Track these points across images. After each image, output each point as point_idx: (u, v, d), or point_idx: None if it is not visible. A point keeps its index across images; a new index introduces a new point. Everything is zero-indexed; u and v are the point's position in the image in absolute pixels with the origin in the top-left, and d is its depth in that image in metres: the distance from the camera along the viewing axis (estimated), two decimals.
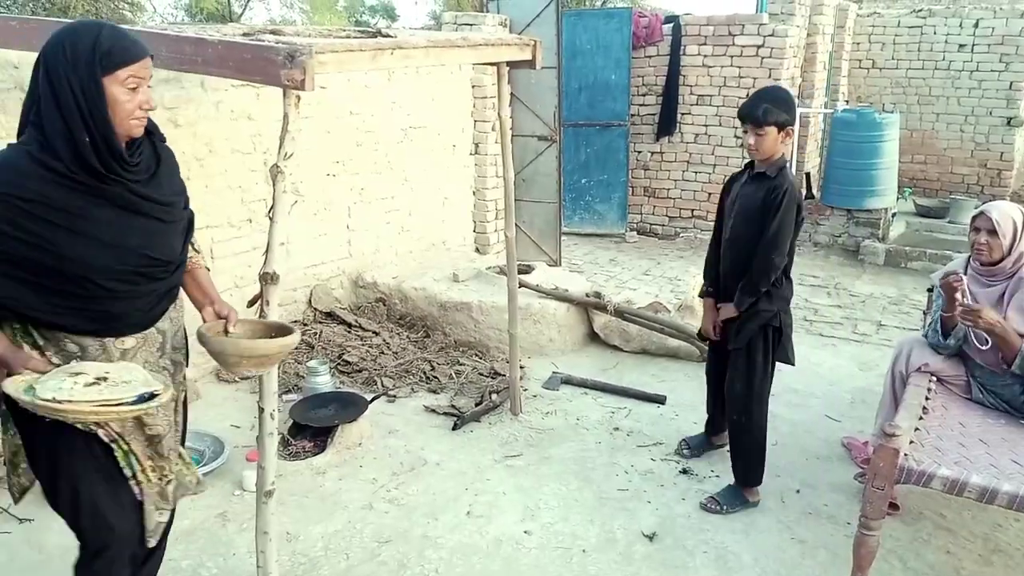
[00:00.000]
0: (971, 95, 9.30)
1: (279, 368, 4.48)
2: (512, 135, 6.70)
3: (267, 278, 2.48)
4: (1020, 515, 3.34)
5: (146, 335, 2.07)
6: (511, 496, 3.43)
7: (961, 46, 9.33)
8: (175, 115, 4.22)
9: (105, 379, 1.85)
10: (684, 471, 3.69)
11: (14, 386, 1.80)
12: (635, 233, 8.55)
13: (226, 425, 3.98)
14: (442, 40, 3.12)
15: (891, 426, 2.59)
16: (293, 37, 2.88)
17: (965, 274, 3.36)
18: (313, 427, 3.84)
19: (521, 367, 4.80)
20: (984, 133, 9.36)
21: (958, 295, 3.12)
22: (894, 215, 7.94)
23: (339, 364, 4.63)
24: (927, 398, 3.21)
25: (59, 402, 1.76)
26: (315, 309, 5.18)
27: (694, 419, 4.23)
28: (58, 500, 2.04)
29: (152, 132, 2.02)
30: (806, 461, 3.79)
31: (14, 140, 1.90)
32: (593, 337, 5.33)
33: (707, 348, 3.80)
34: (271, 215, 2.45)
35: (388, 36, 3.26)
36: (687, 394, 4.53)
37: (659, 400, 4.44)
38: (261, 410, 2.52)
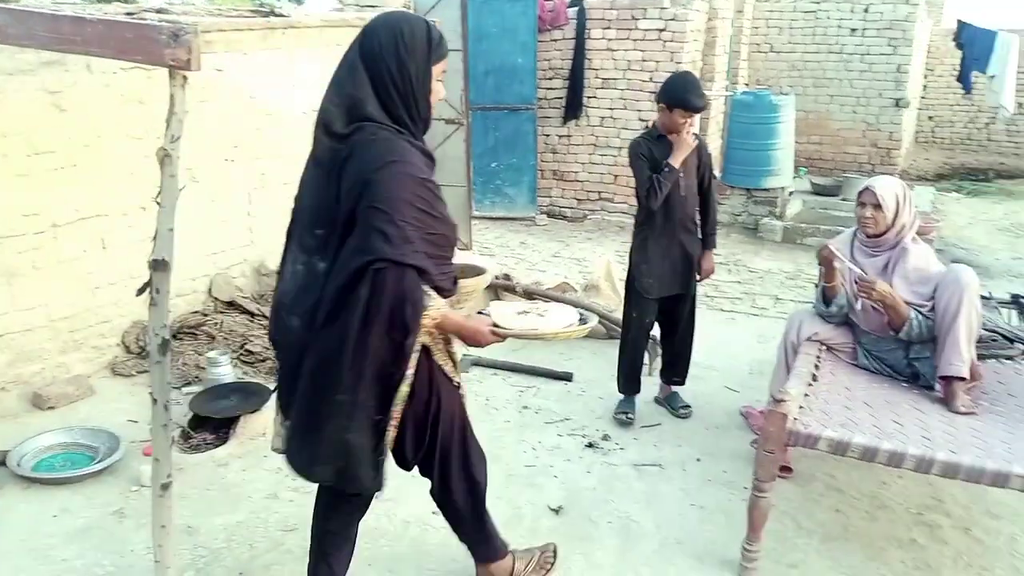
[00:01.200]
0: (862, 77, 9.72)
1: (178, 360, 4.39)
2: None
3: (156, 265, 2.40)
4: (903, 473, 3.52)
5: None
6: (419, 479, 3.41)
7: (853, 30, 9.74)
8: (59, 99, 4.03)
9: (527, 312, 2.50)
10: (590, 445, 3.77)
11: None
12: (545, 216, 8.62)
13: (123, 421, 3.85)
14: (337, 20, 3.07)
15: (780, 392, 2.70)
16: (179, 16, 2.79)
17: (852, 246, 3.54)
18: (215, 419, 3.75)
19: None
20: (875, 114, 9.80)
21: (837, 264, 3.29)
22: (791, 194, 8.25)
23: (241, 354, 4.52)
24: (816, 365, 3.37)
25: (534, 329, 2.40)
26: (215, 299, 5.04)
27: (600, 394, 4.33)
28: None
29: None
30: (706, 431, 3.93)
31: None
32: None
33: (644, 312, 3.96)
34: (159, 200, 2.38)
35: (281, 16, 3.19)
36: (593, 371, 4.62)
37: (566, 377, 4.52)
38: (154, 401, 2.45)
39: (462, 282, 2.41)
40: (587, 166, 8.50)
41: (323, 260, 2.08)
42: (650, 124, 3.86)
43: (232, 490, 3.32)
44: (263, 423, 3.80)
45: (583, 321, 2.51)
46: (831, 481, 3.51)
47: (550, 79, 8.35)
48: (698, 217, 3.96)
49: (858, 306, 3.41)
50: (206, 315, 4.86)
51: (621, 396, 4.09)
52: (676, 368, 4.15)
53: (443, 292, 2.16)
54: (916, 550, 3.04)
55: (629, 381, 4.05)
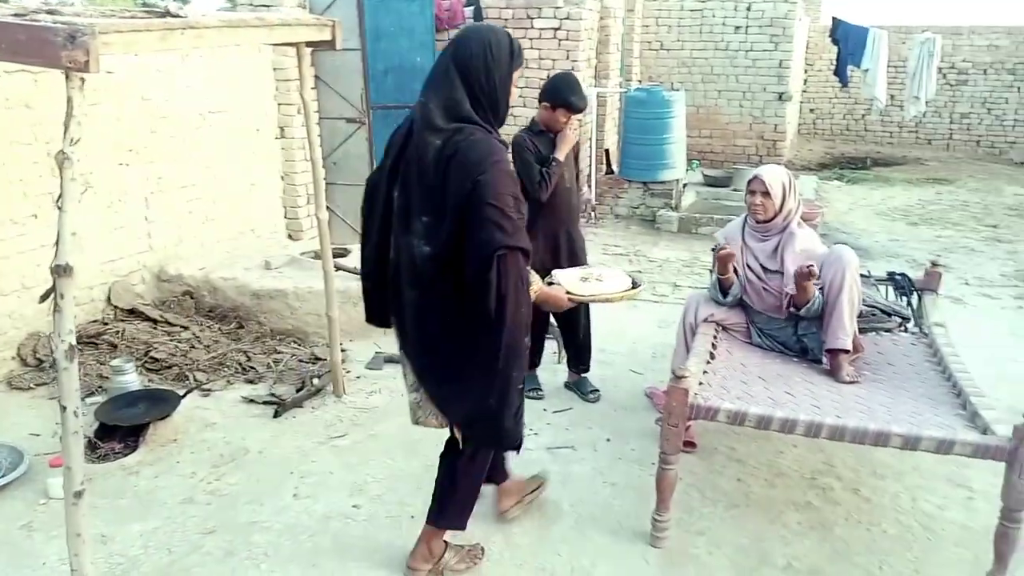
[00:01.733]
0: (747, 73, 10.19)
1: (79, 370, 4.25)
2: (319, 118, 6.67)
3: (60, 271, 2.35)
4: (798, 441, 3.79)
5: None
6: (338, 475, 3.46)
7: (737, 28, 10.19)
8: None
9: (586, 279, 2.99)
10: None
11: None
12: None
13: (24, 434, 3.72)
14: (236, 20, 3.06)
15: (680, 369, 2.87)
16: (72, 17, 2.73)
17: (743, 232, 3.76)
18: (122, 427, 3.67)
19: (344, 350, 4.80)
20: (760, 107, 10.29)
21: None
22: (685, 186, 8.58)
23: (146, 362, 4.42)
24: (713, 344, 3.57)
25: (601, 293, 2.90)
26: (115, 307, 4.90)
27: None
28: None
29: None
30: (614, 412, 4.09)
31: None
32: None
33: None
34: (60, 204, 2.33)
35: (178, 16, 3.15)
36: None
37: None
38: (63, 408, 2.40)
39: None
40: None
41: (428, 245, 2.37)
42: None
43: (145, 497, 3.26)
44: (174, 429, 3.75)
45: (636, 284, 2.94)
46: (732, 453, 3.72)
47: None
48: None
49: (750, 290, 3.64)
50: (106, 324, 4.72)
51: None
52: (581, 358, 4.32)
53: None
54: (811, 511, 3.27)
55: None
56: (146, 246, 5.22)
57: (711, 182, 9.33)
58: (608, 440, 3.81)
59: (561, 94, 3.85)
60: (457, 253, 2.31)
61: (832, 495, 3.39)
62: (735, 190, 8.93)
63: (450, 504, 2.74)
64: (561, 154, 3.91)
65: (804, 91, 14.77)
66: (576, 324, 4.22)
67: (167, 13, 3.40)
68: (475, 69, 2.32)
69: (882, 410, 3.01)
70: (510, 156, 3.88)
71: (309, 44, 3.54)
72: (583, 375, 4.33)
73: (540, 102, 3.91)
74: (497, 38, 2.37)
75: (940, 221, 9.00)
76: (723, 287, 3.74)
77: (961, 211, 9.54)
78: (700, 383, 3.14)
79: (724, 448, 3.76)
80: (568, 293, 2.82)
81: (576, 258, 4.07)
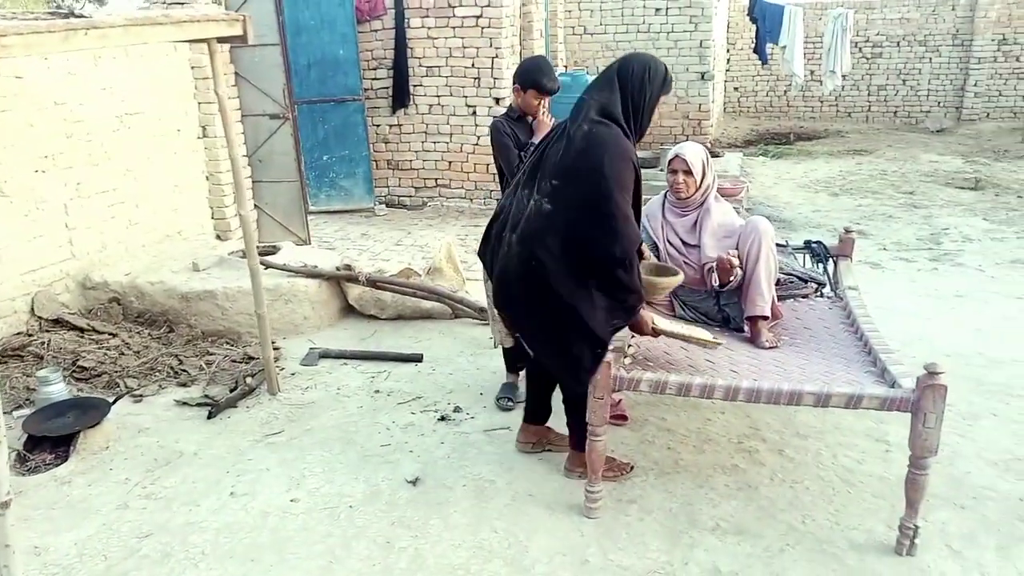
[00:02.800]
0: (670, 54, 10.33)
1: (4, 384, 4.16)
2: (242, 115, 6.59)
3: None
4: (725, 408, 3.93)
5: None
6: (275, 471, 3.47)
7: (657, 10, 10.35)
8: None
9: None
10: (443, 418, 3.91)
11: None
12: (384, 206, 8.66)
13: None
14: (141, 18, 3.02)
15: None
16: None
17: (663, 208, 3.86)
18: (52, 438, 3.61)
19: (277, 348, 4.79)
20: (683, 88, 10.46)
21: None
22: None
23: (74, 371, 4.34)
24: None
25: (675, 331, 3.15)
26: (39, 317, 4.79)
27: (450, 371, 4.49)
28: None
29: None
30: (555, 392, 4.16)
31: None
32: (349, 310, 5.41)
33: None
34: None
35: (81, 16, 3.10)
36: (442, 350, 4.78)
37: (416, 359, 4.64)
38: None
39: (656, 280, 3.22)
40: (421, 154, 8.61)
41: (551, 203, 2.88)
42: (510, 105, 4.09)
43: (79, 506, 3.22)
44: (105, 436, 3.71)
45: (717, 339, 3.23)
46: (662, 423, 3.83)
47: (375, 69, 8.38)
48: None
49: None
50: (31, 335, 4.62)
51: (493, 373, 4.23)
52: None
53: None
54: (738, 473, 3.40)
55: (505, 359, 4.15)
56: (68, 254, 5.11)
57: (640, 163, 9.44)
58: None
59: (530, 76, 3.88)
60: (569, 215, 2.84)
61: (758, 457, 3.53)
62: (662, 170, 9.08)
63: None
64: (538, 139, 3.90)
65: (728, 70, 15.09)
66: None
67: (71, 14, 3.35)
68: (633, 83, 2.89)
69: (797, 371, 3.14)
70: (497, 141, 3.97)
71: (221, 40, 3.51)
72: None
73: (513, 85, 3.96)
74: (656, 66, 2.96)
75: (860, 190, 9.32)
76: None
77: (880, 180, 9.89)
78: (626, 356, 3.23)
79: (655, 419, 3.87)
80: (654, 324, 3.08)
81: None
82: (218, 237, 6.55)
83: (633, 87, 2.90)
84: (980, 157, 11.20)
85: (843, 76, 11.96)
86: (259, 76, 6.49)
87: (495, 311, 3.18)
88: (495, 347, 3.51)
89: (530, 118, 4.00)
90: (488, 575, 2.78)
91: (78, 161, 5.15)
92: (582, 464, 3.18)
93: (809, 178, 10.09)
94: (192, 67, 6.20)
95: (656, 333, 3.09)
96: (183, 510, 3.18)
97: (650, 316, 3.09)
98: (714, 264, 3.64)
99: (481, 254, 3.24)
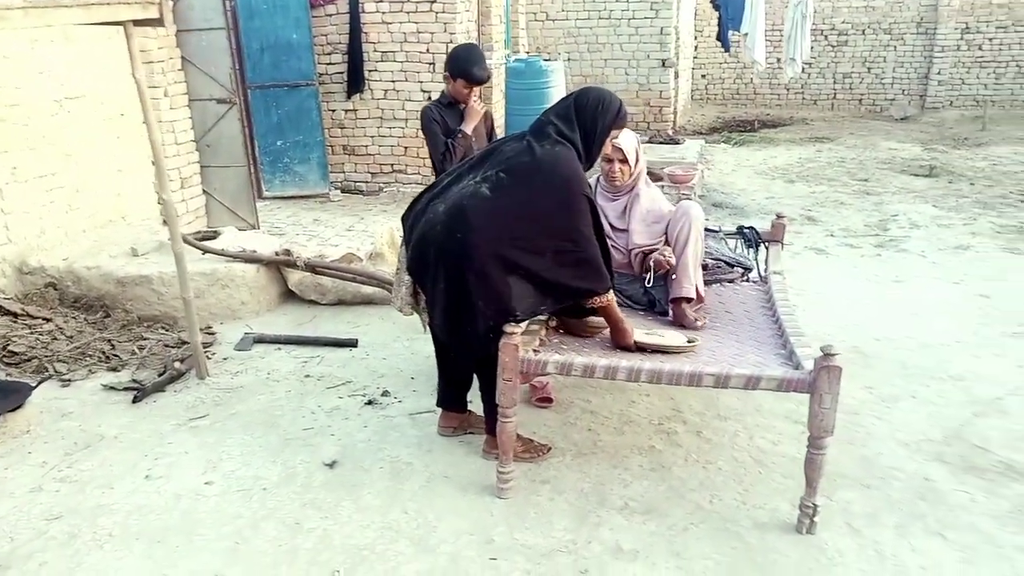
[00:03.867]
0: (631, 41, 10.37)
1: None
2: (189, 99, 6.54)
3: None
4: (649, 390, 3.98)
5: None
6: (193, 454, 3.47)
7: None
8: None
9: (650, 332, 3.31)
10: (370, 402, 3.93)
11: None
12: (339, 192, 8.62)
13: None
14: (46, 1, 2.99)
15: (510, 326, 2.97)
16: None
17: (595, 191, 3.87)
18: None
19: (213, 332, 4.79)
20: (645, 75, 10.49)
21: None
22: None
23: (4, 356, 4.31)
24: None
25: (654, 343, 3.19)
26: None
27: (384, 355, 4.51)
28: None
29: None
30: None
31: None
32: (289, 295, 5.40)
33: None
34: None
35: None
36: (380, 335, 4.79)
37: (351, 344, 4.64)
38: None
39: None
40: (376, 139, 8.58)
41: (491, 191, 2.96)
42: (442, 92, 4.09)
43: None
44: (26, 420, 3.70)
45: (691, 341, 3.23)
46: (587, 405, 3.87)
47: (329, 54, 8.32)
48: None
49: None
50: None
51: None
52: None
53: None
54: (654, 455, 3.44)
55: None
56: (4, 239, 5.06)
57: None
58: (470, 401, 3.90)
59: (459, 65, 3.89)
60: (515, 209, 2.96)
61: (676, 438, 3.57)
62: None
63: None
64: (467, 127, 3.94)
65: (695, 57, 15.13)
66: None
67: None
68: (586, 114, 3.04)
69: (707, 354, 3.18)
70: (425, 127, 3.98)
71: (137, 23, 3.48)
72: None
73: (444, 73, 3.97)
74: (610, 100, 3.11)
75: (816, 178, 9.40)
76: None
77: (837, 167, 9.97)
78: (539, 340, 3.26)
79: (580, 401, 3.91)
80: (636, 340, 3.19)
81: None
82: (164, 223, 6.50)
83: (586, 117, 3.05)
84: (939, 145, 11.32)
85: (804, 64, 12.01)
86: (206, 60, 6.44)
87: (404, 275, 3.20)
88: (424, 331, 3.54)
89: (461, 105, 4.00)
90: (393, 555, 2.80)
91: (14, 145, 5.09)
92: (498, 446, 3.21)
93: (768, 165, 10.14)
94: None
95: (638, 347, 3.18)
96: (96, 493, 3.18)
97: (631, 329, 3.22)
98: (642, 251, 3.68)
99: (404, 218, 3.28)
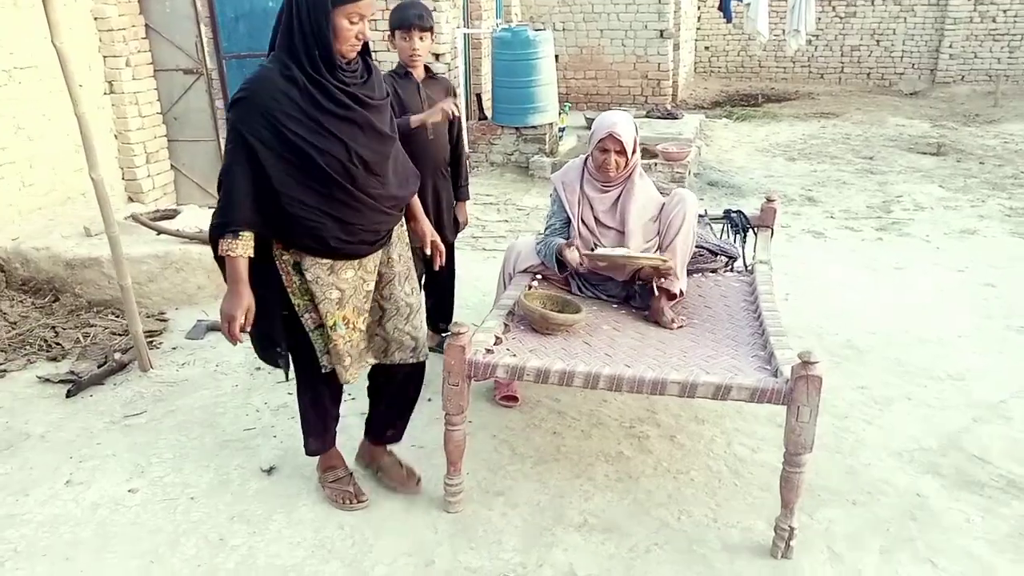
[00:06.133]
0: (628, 11, 9.96)
1: None
2: (154, 70, 6.22)
3: None
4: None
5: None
6: (121, 457, 3.21)
7: None
8: None
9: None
10: None
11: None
12: None
13: None
14: None
15: (455, 325, 2.68)
16: None
17: (582, 179, 3.52)
18: None
19: (165, 319, 4.52)
20: (643, 46, 10.09)
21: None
22: (563, 130, 8.36)
23: None
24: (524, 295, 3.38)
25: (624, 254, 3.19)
26: None
27: None
28: None
29: (366, 52, 2.47)
30: (440, 371, 3.90)
31: None
32: None
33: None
34: None
35: None
36: None
37: None
38: None
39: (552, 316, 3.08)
40: None
41: None
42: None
43: None
44: None
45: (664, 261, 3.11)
46: (554, 405, 3.59)
47: None
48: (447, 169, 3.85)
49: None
50: None
51: None
52: (440, 314, 4.10)
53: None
54: (622, 462, 3.16)
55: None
56: None
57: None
58: (429, 400, 3.63)
59: (394, 14, 3.46)
60: None
61: (647, 444, 3.29)
62: None
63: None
64: (414, 121, 3.44)
65: (698, 29, 14.67)
66: (436, 275, 3.76)
67: None
68: (293, 6, 2.30)
69: (678, 356, 2.89)
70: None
71: None
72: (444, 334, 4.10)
73: (387, 35, 3.59)
74: None
75: (818, 155, 9.03)
76: (561, 265, 3.42)
77: (842, 144, 9.59)
78: (496, 337, 2.97)
79: (548, 400, 3.63)
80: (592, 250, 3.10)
81: (440, 215, 3.78)
82: (130, 199, 6.22)
83: (288, 13, 2.36)
84: (949, 121, 10.91)
85: (809, 36, 11.58)
86: (171, 29, 6.13)
87: None
88: None
89: (416, 76, 3.61)
90: None
91: None
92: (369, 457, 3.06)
93: (769, 142, 9.77)
94: (95, 18, 5.81)
95: (592, 258, 3.09)
96: (9, 500, 2.92)
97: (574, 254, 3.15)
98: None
99: None
